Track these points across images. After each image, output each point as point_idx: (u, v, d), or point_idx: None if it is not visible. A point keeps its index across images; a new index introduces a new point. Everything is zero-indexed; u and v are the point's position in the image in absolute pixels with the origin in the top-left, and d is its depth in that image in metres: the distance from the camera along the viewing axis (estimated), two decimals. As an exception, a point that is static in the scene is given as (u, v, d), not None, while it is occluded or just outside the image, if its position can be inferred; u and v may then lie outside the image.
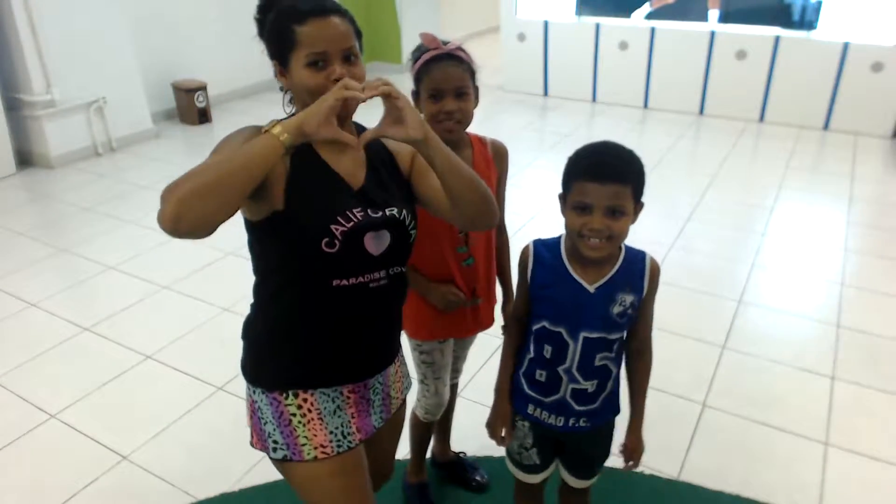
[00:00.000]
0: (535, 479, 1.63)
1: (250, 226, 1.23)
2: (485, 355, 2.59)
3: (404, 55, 7.63)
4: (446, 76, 1.53)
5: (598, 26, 6.30)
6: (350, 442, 1.32)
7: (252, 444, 1.36)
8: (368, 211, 1.22)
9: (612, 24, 6.27)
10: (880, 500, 2.14)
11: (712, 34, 5.87)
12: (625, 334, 1.46)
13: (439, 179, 1.21)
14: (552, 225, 3.61)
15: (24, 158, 5.03)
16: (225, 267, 3.57)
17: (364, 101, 1.10)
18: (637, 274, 1.41)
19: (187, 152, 5.35)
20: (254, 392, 1.33)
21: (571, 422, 1.49)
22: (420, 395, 1.89)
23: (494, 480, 2.14)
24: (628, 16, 6.26)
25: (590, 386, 1.45)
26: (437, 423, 2.01)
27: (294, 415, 1.29)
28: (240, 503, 2.13)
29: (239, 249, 3.59)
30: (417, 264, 1.63)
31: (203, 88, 5.91)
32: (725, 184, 4.65)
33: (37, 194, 4.68)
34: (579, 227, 1.32)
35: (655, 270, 1.43)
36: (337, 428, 1.31)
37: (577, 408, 1.47)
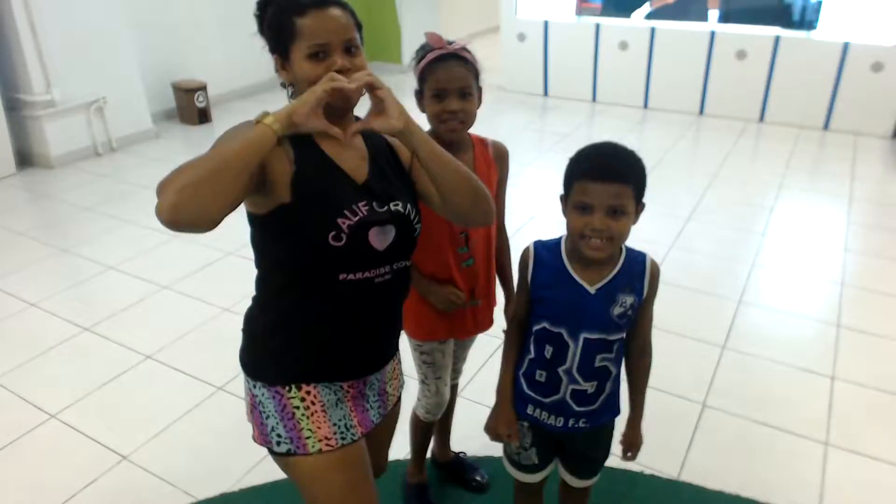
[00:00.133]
0: (533, 478, 1.63)
1: (255, 220, 1.23)
2: (485, 355, 2.59)
3: (404, 55, 7.65)
4: (450, 76, 1.53)
5: (597, 26, 6.30)
6: (353, 435, 1.32)
7: (254, 439, 1.36)
8: (374, 205, 1.23)
9: (612, 24, 6.27)
10: (880, 500, 2.14)
11: (712, 34, 5.87)
12: (625, 335, 1.46)
13: (425, 170, 1.23)
14: (552, 225, 3.61)
15: (24, 158, 5.04)
16: (225, 267, 3.57)
17: (353, 90, 1.12)
18: (637, 275, 1.41)
19: (187, 152, 5.33)
20: (254, 386, 1.32)
21: (571, 422, 1.49)
22: (421, 395, 1.89)
23: (494, 480, 2.14)
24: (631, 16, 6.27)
25: (589, 387, 1.45)
26: (437, 424, 2.01)
27: (297, 408, 1.29)
28: (240, 503, 2.13)
29: (239, 249, 3.59)
30: (418, 264, 1.63)
31: (203, 88, 5.91)
32: (725, 184, 4.65)
33: (37, 194, 4.68)
34: (581, 227, 1.32)
35: (655, 272, 1.43)
36: (340, 420, 1.31)
37: (576, 408, 1.47)
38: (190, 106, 5.91)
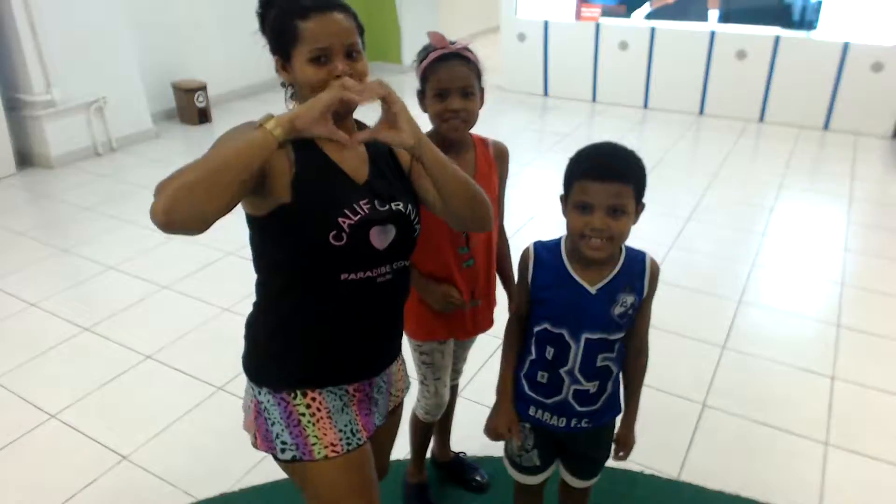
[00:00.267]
0: (534, 480, 1.62)
1: (254, 221, 1.23)
2: (485, 355, 2.59)
3: (404, 56, 7.64)
4: (453, 75, 1.53)
5: (597, 26, 6.30)
6: (359, 440, 1.32)
7: (255, 446, 1.36)
8: (375, 203, 1.23)
9: (612, 24, 6.27)
10: (880, 500, 2.14)
11: (712, 34, 5.87)
12: (625, 334, 1.46)
13: (433, 184, 1.23)
14: (552, 225, 3.61)
15: (24, 158, 5.03)
16: (225, 267, 3.57)
17: (362, 102, 1.11)
18: (637, 274, 1.41)
19: (187, 152, 5.34)
20: (259, 393, 1.32)
21: (573, 423, 1.49)
22: (420, 395, 1.89)
23: (494, 480, 2.13)
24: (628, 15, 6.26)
25: (591, 387, 1.45)
26: (437, 424, 2.01)
27: (303, 414, 1.29)
28: (240, 503, 2.13)
29: (239, 249, 3.59)
30: (418, 264, 1.63)
31: (203, 88, 5.91)
32: (725, 184, 4.65)
33: (37, 194, 4.68)
34: (581, 227, 1.32)
35: (655, 271, 1.43)
36: (346, 426, 1.31)
37: (578, 409, 1.47)
38: (190, 106, 5.90)
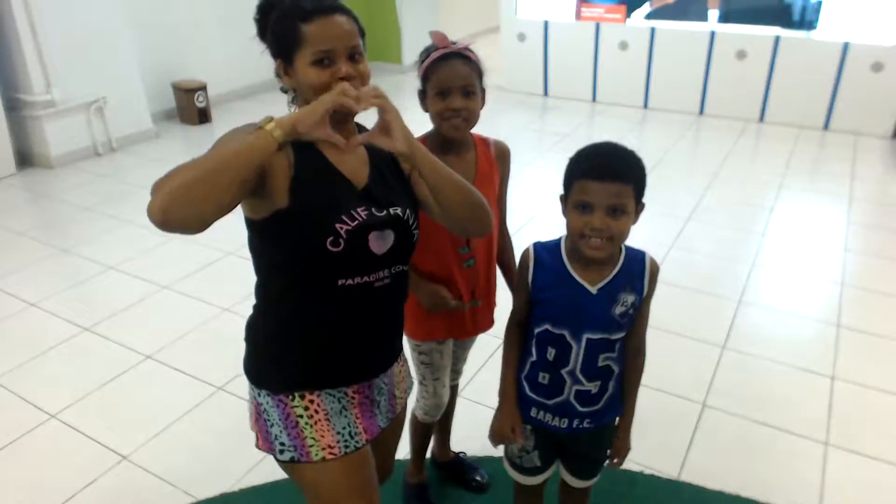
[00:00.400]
0: (535, 481, 1.62)
1: (253, 224, 1.23)
2: (485, 355, 2.59)
3: (404, 56, 7.64)
4: (454, 74, 1.53)
5: (597, 26, 6.30)
6: (357, 442, 1.32)
7: (258, 446, 1.36)
8: (373, 210, 1.23)
9: (611, 24, 6.27)
10: (880, 500, 2.14)
11: (712, 34, 5.87)
12: (625, 333, 1.45)
13: (430, 191, 1.24)
14: (552, 225, 3.61)
15: (24, 158, 5.03)
16: (225, 267, 3.57)
17: (360, 110, 1.12)
18: (637, 274, 1.41)
19: (187, 152, 5.33)
20: (259, 394, 1.32)
21: (575, 423, 1.49)
22: (419, 395, 1.89)
23: (494, 480, 2.13)
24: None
25: (593, 387, 1.45)
26: (437, 424, 2.01)
27: (301, 416, 1.29)
28: (240, 503, 2.13)
29: (239, 249, 3.59)
30: (418, 264, 1.62)
31: (203, 88, 5.91)
32: (725, 184, 4.65)
33: (37, 194, 4.68)
34: (581, 226, 1.32)
35: (655, 270, 1.43)
36: (344, 428, 1.31)
37: (580, 409, 1.47)
38: (190, 106, 5.91)
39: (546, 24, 6.53)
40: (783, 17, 5.63)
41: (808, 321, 3.09)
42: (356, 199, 1.23)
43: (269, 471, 2.15)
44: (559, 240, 1.44)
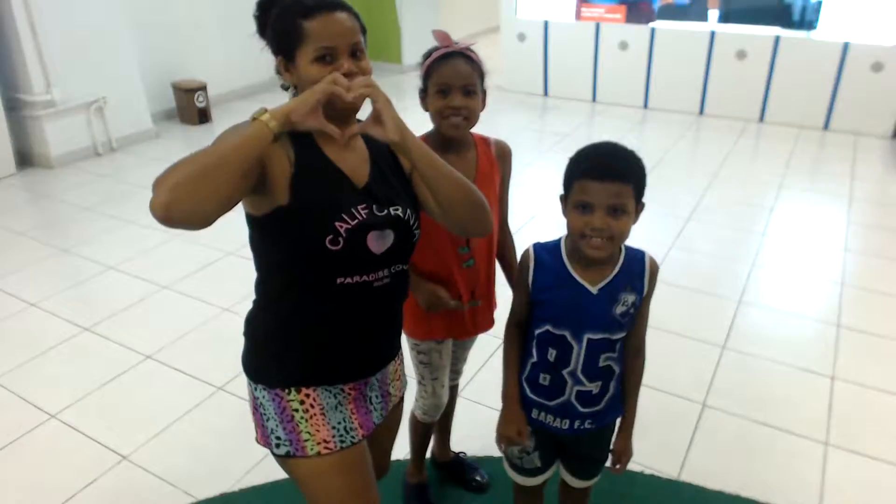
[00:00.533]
0: (535, 481, 1.62)
1: (253, 221, 1.23)
2: (485, 355, 2.59)
3: (404, 55, 7.64)
4: (455, 72, 1.53)
5: (597, 26, 6.30)
6: (353, 437, 1.32)
7: (257, 441, 1.37)
8: (373, 208, 1.23)
9: (611, 24, 6.27)
10: (880, 500, 2.14)
11: (712, 34, 5.87)
12: (626, 333, 1.45)
13: (424, 183, 1.24)
14: (552, 225, 3.61)
15: (24, 158, 5.03)
16: (225, 267, 3.57)
17: (350, 101, 1.12)
18: (637, 273, 1.41)
19: (187, 152, 5.24)
20: (256, 389, 1.33)
21: (577, 424, 1.49)
22: (418, 395, 1.89)
23: (494, 480, 2.13)
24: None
25: (594, 387, 1.45)
26: (437, 424, 2.01)
27: (296, 410, 1.29)
28: (240, 503, 2.13)
29: (239, 249, 3.59)
30: (417, 263, 1.62)
31: (203, 88, 5.91)
32: (725, 184, 4.65)
33: (37, 194, 4.68)
34: (581, 226, 1.32)
35: (655, 269, 1.43)
36: (339, 423, 1.31)
37: (581, 410, 1.47)
38: (190, 106, 5.91)
39: (546, 24, 6.53)
40: (783, 17, 5.63)
41: (808, 321, 3.09)
42: (356, 198, 1.22)
43: (269, 471, 2.15)
44: (559, 240, 1.44)
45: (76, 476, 2.24)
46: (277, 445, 1.31)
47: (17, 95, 4.83)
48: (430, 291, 1.65)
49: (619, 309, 1.39)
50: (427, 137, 1.60)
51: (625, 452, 1.53)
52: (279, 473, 1.38)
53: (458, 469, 2.18)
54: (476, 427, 2.28)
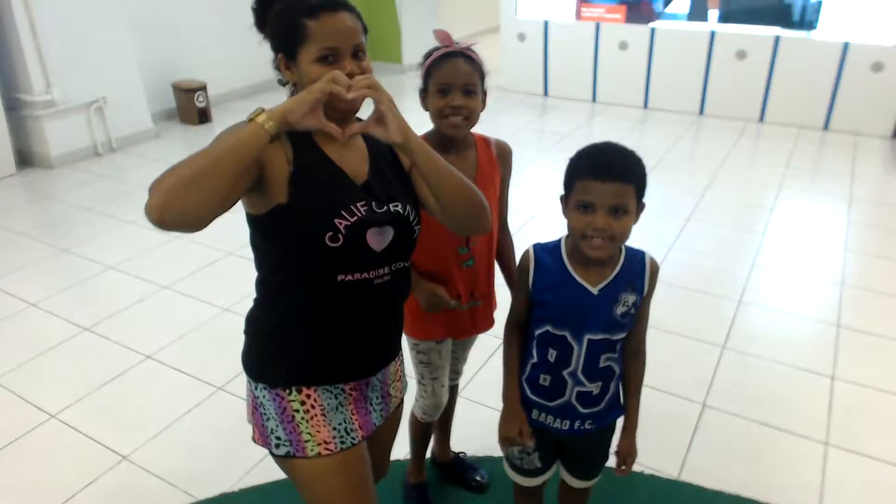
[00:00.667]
0: (535, 482, 1.62)
1: (253, 220, 1.23)
2: (485, 355, 2.59)
3: (404, 55, 7.64)
4: (456, 71, 1.53)
5: (597, 26, 6.30)
6: (353, 438, 1.32)
7: (254, 440, 1.36)
8: (373, 205, 1.22)
9: (611, 24, 6.27)
10: (880, 500, 2.14)
11: (712, 34, 5.87)
12: (626, 334, 1.45)
13: (426, 183, 1.24)
14: (552, 225, 3.61)
15: (24, 158, 5.03)
16: (225, 267, 3.57)
17: (349, 100, 1.11)
18: (637, 274, 1.41)
19: (187, 152, 5.23)
20: (256, 388, 1.33)
21: (577, 425, 1.49)
22: (418, 395, 1.89)
23: (494, 480, 2.13)
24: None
25: (595, 388, 1.45)
26: (437, 424, 2.01)
27: (297, 411, 1.29)
28: (240, 503, 2.13)
29: (239, 249, 3.59)
30: (417, 263, 1.62)
31: (203, 88, 5.91)
32: (725, 184, 4.65)
33: (37, 194, 4.68)
34: (582, 226, 1.32)
35: (655, 269, 1.43)
36: (340, 424, 1.31)
37: (582, 410, 1.47)
38: (190, 106, 5.90)
39: (546, 24, 6.53)
40: (783, 17, 5.63)
41: (807, 321, 3.09)
42: (356, 194, 1.22)
43: (269, 471, 2.15)
44: (559, 241, 1.44)
45: (76, 476, 2.24)
46: (277, 446, 1.31)
47: (17, 95, 4.83)
48: (430, 291, 1.65)
49: (620, 309, 1.39)
50: (427, 137, 1.60)
51: (629, 454, 1.53)
52: (279, 473, 1.37)
53: (458, 469, 2.18)
54: (476, 427, 2.28)
